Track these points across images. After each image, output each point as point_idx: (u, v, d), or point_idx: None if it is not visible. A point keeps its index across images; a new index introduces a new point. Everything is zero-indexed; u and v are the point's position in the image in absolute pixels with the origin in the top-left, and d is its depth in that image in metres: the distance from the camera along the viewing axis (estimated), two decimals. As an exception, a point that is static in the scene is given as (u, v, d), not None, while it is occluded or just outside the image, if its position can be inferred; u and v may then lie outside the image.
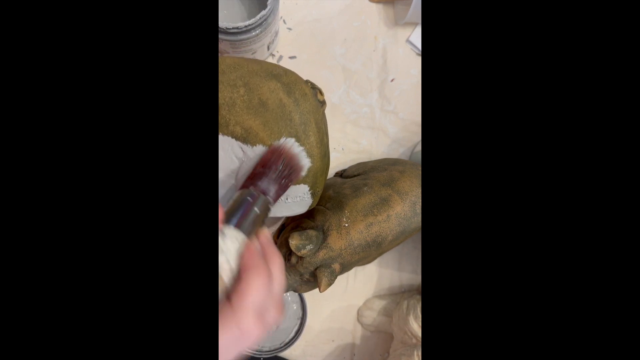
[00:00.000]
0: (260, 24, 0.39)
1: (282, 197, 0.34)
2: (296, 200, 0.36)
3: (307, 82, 0.35)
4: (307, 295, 0.48)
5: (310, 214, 0.38)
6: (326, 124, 0.36)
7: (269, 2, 0.38)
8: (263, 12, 0.38)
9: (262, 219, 0.28)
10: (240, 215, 0.26)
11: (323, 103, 0.36)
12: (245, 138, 0.32)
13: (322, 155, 0.34)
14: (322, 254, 0.36)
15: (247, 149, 0.32)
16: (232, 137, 0.32)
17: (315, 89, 0.36)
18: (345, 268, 0.38)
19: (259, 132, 0.32)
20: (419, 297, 0.45)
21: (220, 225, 0.25)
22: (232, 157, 0.33)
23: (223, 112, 0.31)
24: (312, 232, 0.36)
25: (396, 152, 0.51)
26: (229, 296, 0.23)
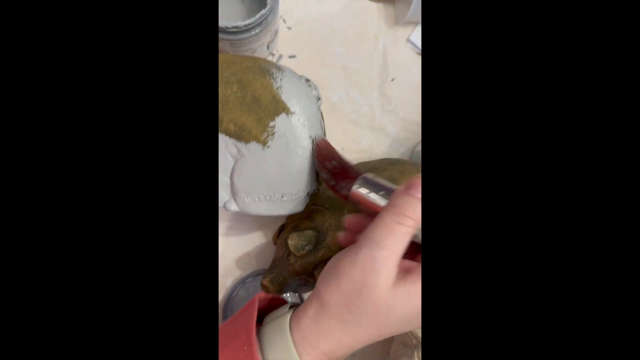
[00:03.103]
0: (259, 23, 0.39)
1: (278, 195, 0.34)
2: (292, 198, 0.35)
3: (301, 77, 0.35)
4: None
5: (309, 215, 0.38)
6: (322, 120, 0.36)
7: (268, 1, 0.38)
8: (263, 11, 0.38)
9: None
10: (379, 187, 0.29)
11: (318, 99, 0.36)
12: (239, 135, 0.32)
13: (318, 152, 0.34)
14: (321, 254, 0.36)
15: (241, 146, 0.32)
16: (226, 135, 0.32)
17: (310, 85, 0.36)
18: (344, 268, 0.38)
19: (252, 129, 0.32)
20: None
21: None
22: (227, 155, 0.33)
23: None
24: (310, 233, 0.36)
25: (397, 152, 0.50)
26: None
